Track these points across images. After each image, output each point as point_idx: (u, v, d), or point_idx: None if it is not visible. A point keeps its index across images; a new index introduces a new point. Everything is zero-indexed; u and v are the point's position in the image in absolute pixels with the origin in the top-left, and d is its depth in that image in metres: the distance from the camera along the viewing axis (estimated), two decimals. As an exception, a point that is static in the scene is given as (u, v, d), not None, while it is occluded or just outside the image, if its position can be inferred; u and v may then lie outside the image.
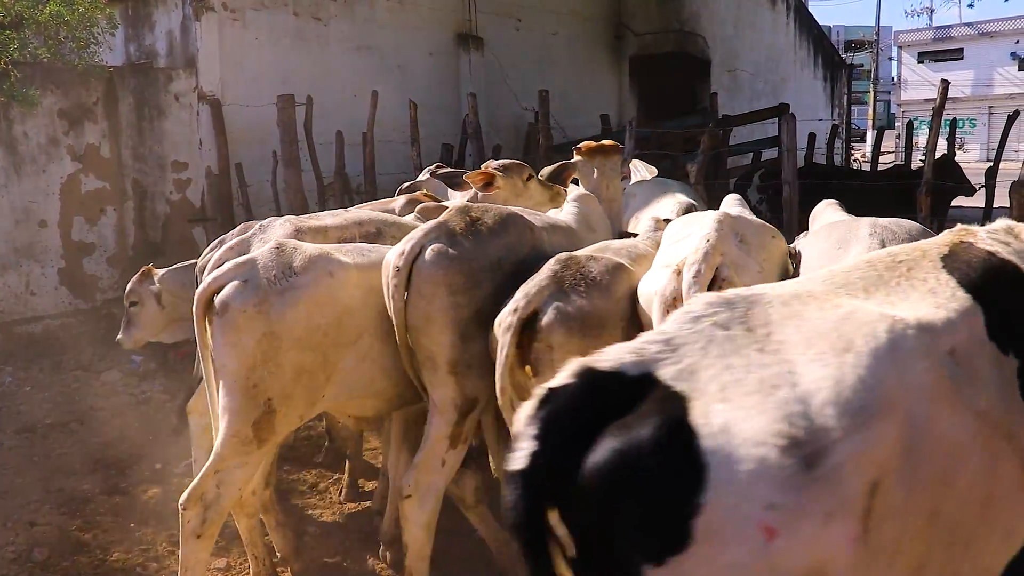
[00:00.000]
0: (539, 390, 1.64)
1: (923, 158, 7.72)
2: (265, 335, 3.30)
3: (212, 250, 4.64)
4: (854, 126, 28.21)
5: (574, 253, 3.45)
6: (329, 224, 4.36)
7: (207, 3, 10.00)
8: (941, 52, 42.21)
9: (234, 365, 3.31)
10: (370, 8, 11.63)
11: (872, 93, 40.93)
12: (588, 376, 1.63)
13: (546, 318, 3.17)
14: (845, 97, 21.39)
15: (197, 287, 4.97)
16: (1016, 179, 6.46)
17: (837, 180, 8.87)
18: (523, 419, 1.62)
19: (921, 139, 10.52)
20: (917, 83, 39.82)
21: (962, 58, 41.28)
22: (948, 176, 8.74)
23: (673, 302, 3.01)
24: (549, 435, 1.59)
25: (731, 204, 4.23)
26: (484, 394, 3.48)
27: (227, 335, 3.31)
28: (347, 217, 4.53)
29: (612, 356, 1.64)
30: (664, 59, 14.97)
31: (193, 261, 5.75)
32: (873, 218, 3.58)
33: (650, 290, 3.18)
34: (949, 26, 44.10)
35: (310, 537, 4.62)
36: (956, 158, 11.09)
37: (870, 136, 34.52)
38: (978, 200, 9.25)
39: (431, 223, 3.55)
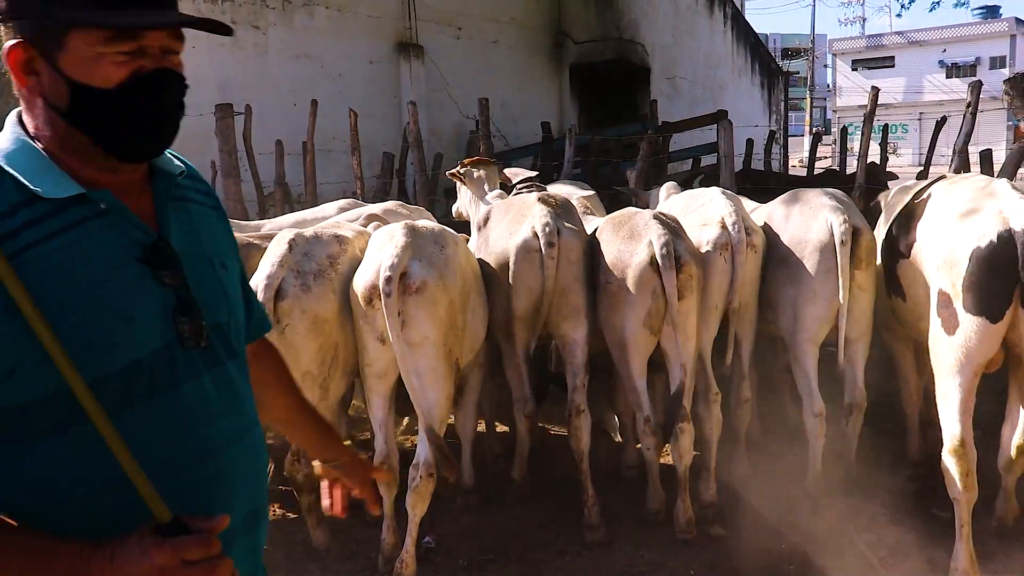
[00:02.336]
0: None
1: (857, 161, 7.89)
2: (450, 303, 3.90)
3: None
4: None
5: (655, 211, 4.61)
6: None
7: (141, 11, 9.84)
8: (873, 60, 43.31)
9: (436, 335, 3.82)
10: (309, 16, 11.55)
11: (808, 99, 41.78)
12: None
13: (685, 256, 4.20)
14: (782, 103, 21.80)
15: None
16: (944, 182, 6.63)
17: (774, 184, 9.02)
18: None
19: (856, 144, 10.75)
20: (851, 90, 40.78)
21: (894, 66, 42.39)
22: (875, 179, 8.94)
23: (725, 246, 4.38)
24: None
25: (673, 188, 6.08)
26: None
27: (427, 309, 3.79)
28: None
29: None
30: (604, 67, 15.11)
31: None
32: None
33: (704, 237, 4.44)
34: (881, 35, 45.28)
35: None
36: (889, 163, 11.38)
37: (806, 141, 35.23)
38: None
39: (543, 211, 4.39)
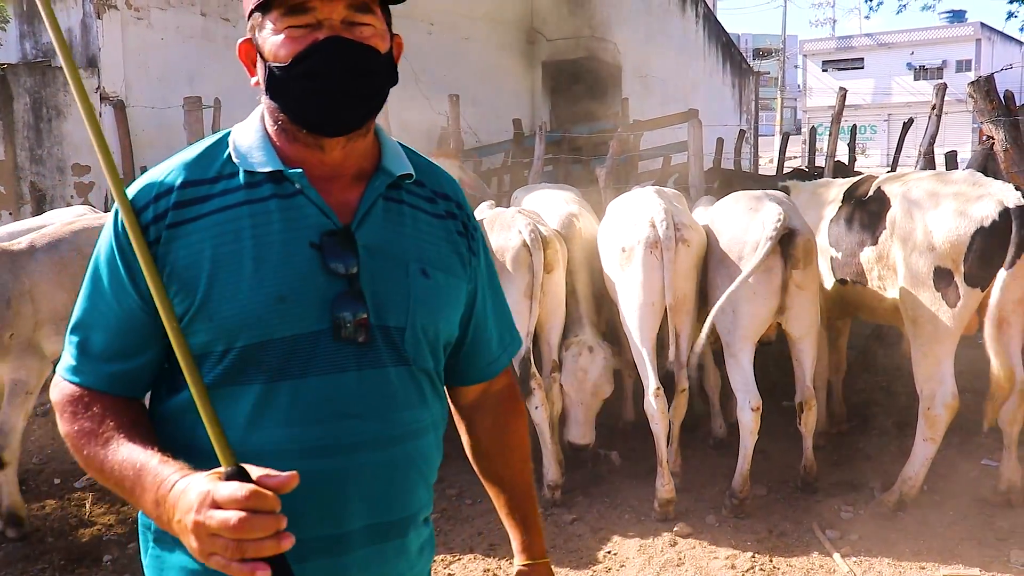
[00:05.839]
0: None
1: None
2: None
3: None
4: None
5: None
6: None
7: (109, 1, 9.70)
8: (843, 61, 43.73)
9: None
10: (280, 9, 11.45)
11: (779, 100, 42.08)
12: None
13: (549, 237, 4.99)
14: (753, 103, 21.93)
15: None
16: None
17: (741, 182, 9.07)
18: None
19: (825, 144, 10.85)
20: (821, 90, 41.12)
21: (863, 67, 42.85)
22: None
23: (655, 243, 4.57)
24: None
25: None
26: None
27: None
28: None
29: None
30: (576, 64, 15.12)
31: None
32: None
33: (635, 236, 4.67)
34: (850, 36, 45.71)
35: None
36: (858, 163, 11.51)
37: (776, 141, 35.48)
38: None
39: None
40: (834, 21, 56.20)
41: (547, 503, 4.78)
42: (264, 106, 1.54)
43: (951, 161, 8.02)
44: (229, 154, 1.49)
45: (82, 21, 9.81)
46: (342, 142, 1.49)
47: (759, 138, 21.90)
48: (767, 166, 21.38)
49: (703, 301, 4.86)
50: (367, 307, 1.43)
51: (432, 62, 12.62)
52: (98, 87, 9.61)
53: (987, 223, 4.22)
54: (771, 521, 4.55)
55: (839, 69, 43.08)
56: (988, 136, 5.72)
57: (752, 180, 8.27)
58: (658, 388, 4.64)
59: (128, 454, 1.34)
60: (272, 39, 1.44)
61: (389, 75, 1.53)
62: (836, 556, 4.18)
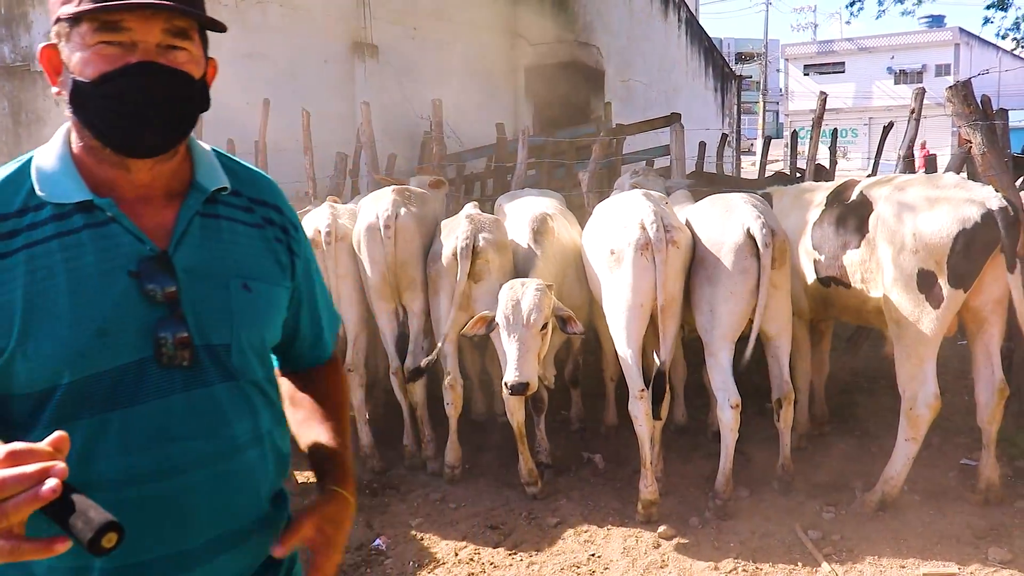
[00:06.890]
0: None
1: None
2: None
3: None
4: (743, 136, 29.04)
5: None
6: None
7: (89, 6, 9.64)
8: (824, 65, 44.02)
9: None
10: (263, 15, 11.42)
11: (761, 104, 42.30)
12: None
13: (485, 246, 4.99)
14: (735, 107, 22.03)
15: None
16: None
17: (723, 186, 9.11)
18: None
19: (806, 148, 10.90)
20: (803, 94, 41.40)
21: (844, 71, 43.14)
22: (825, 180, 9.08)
23: (646, 245, 4.54)
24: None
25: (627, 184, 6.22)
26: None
27: None
28: None
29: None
30: (559, 69, 15.15)
31: None
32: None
33: (625, 239, 4.63)
34: (831, 41, 46.03)
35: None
36: (839, 166, 11.58)
37: (758, 144, 35.62)
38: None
39: (389, 199, 5.28)
40: (815, 25, 56.66)
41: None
42: (71, 123, 1.48)
43: (931, 164, 8.09)
44: (31, 185, 1.43)
45: (62, 26, 9.74)
46: (149, 164, 1.47)
47: (741, 142, 21.99)
48: (749, 169, 21.48)
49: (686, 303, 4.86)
50: (189, 329, 1.43)
51: (415, 66, 12.63)
52: (79, 92, 9.54)
53: (969, 225, 4.29)
54: (754, 522, 4.57)
55: (820, 73, 43.36)
56: (966, 140, 5.77)
57: (735, 184, 8.31)
58: (642, 390, 4.64)
59: None
60: (80, 53, 1.39)
61: (202, 100, 1.51)
62: (821, 558, 4.20)
